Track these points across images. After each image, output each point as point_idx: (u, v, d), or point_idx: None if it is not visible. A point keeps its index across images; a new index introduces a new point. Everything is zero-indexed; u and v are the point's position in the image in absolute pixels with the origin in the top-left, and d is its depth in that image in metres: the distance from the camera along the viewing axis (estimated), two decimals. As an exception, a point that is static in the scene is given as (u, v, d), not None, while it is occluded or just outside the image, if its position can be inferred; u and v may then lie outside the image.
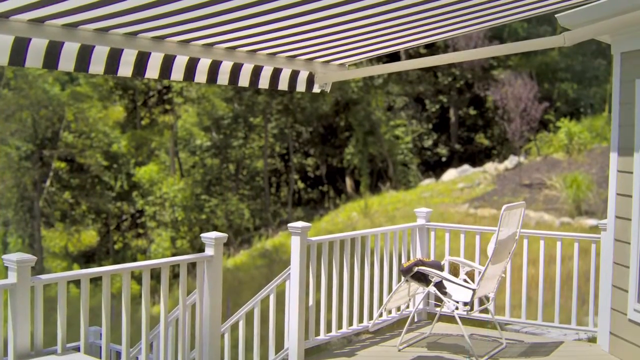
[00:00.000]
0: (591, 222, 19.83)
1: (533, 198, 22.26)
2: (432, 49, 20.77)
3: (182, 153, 24.77)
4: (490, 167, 25.03)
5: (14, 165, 22.61)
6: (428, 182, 25.45)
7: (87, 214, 23.13)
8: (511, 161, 24.79)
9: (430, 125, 26.06)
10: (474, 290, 5.59)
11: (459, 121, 26.28)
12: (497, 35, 23.66)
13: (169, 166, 24.44)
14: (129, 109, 24.34)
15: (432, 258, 7.03)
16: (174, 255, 22.04)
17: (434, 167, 25.76)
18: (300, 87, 5.32)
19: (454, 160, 25.84)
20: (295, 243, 5.85)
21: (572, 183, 21.81)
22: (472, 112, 25.96)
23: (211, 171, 24.48)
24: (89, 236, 22.94)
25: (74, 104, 23.11)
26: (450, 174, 25.38)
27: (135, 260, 22.26)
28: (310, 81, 5.38)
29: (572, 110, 24.23)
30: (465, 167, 25.37)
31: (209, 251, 5.30)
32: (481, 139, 25.91)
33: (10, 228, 22.80)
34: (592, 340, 6.54)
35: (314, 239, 5.98)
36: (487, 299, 6.17)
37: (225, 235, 5.37)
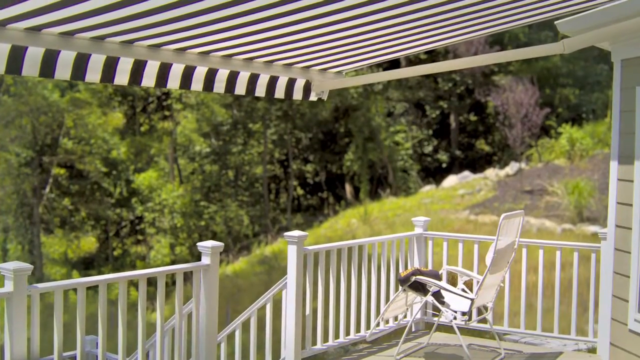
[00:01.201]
0: (593, 228, 19.78)
1: (534, 204, 22.21)
2: (432, 54, 20.74)
3: (181, 159, 24.74)
4: (491, 173, 24.98)
5: (14, 171, 22.59)
6: (428, 188, 25.39)
7: (86, 221, 23.10)
8: (512, 167, 24.74)
9: (431, 131, 26.02)
10: (472, 299, 5.55)
11: (460, 127, 26.25)
12: (497, 40, 23.63)
13: (168, 172, 24.41)
14: (128, 115, 24.33)
15: (430, 267, 6.99)
16: (173, 261, 22.07)
17: (434, 174, 25.71)
18: (297, 95, 5.30)
19: (455, 166, 25.79)
20: (291, 252, 5.82)
21: (574, 189, 21.74)
22: (472, 118, 25.92)
23: (210, 177, 24.45)
24: (89, 242, 22.90)
25: (73, 111, 23.11)
26: (451, 180, 25.33)
27: (134, 266, 22.23)
28: (307, 89, 5.36)
29: (574, 116, 24.16)
30: (466, 173, 25.32)
31: (205, 260, 5.28)
32: (482, 145, 25.86)
33: (9, 234, 22.76)
34: (592, 350, 6.50)
35: (310, 247, 5.96)
36: (486, 308, 6.13)
37: (221, 244, 5.35)
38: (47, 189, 23.16)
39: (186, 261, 19.13)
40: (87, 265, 22.59)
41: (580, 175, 22.40)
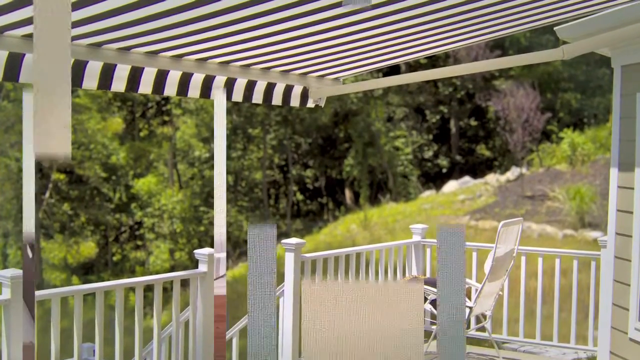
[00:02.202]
0: (595, 234, 19.70)
1: (535, 210, 22.15)
2: (432, 59, 20.70)
3: (181, 165, 24.72)
4: (492, 178, 24.92)
5: (14, 176, 22.59)
6: (428, 193, 25.34)
7: (86, 226, 23.07)
8: (513, 172, 24.69)
9: (431, 136, 25.96)
10: (470, 308, 5.52)
11: (460, 132, 26.19)
12: (498, 44, 23.55)
13: (167, 178, 24.39)
14: (127, 120, 24.31)
15: (428, 275, 6.96)
16: (172, 267, 22.02)
17: (434, 179, 25.65)
18: (295, 102, 5.27)
19: (455, 171, 25.73)
20: (289, 260, 5.80)
21: (576, 195, 21.69)
22: (473, 122, 25.86)
23: (210, 183, 24.38)
24: (88, 248, 22.87)
25: (72, 115, 22.97)
26: (451, 185, 25.28)
27: (133, 272, 22.20)
28: (305, 96, 5.33)
29: (576, 121, 24.08)
30: (466, 178, 25.27)
31: (202, 267, 5.26)
32: (482, 150, 25.80)
33: (9, 239, 22.74)
34: (592, 359, 6.46)
35: (308, 255, 5.93)
36: (484, 317, 6.10)
37: (219, 251, 5.32)
38: (47, 194, 23.16)
39: (185, 267, 19.12)
40: (86, 270, 22.57)
41: (582, 180, 22.35)
